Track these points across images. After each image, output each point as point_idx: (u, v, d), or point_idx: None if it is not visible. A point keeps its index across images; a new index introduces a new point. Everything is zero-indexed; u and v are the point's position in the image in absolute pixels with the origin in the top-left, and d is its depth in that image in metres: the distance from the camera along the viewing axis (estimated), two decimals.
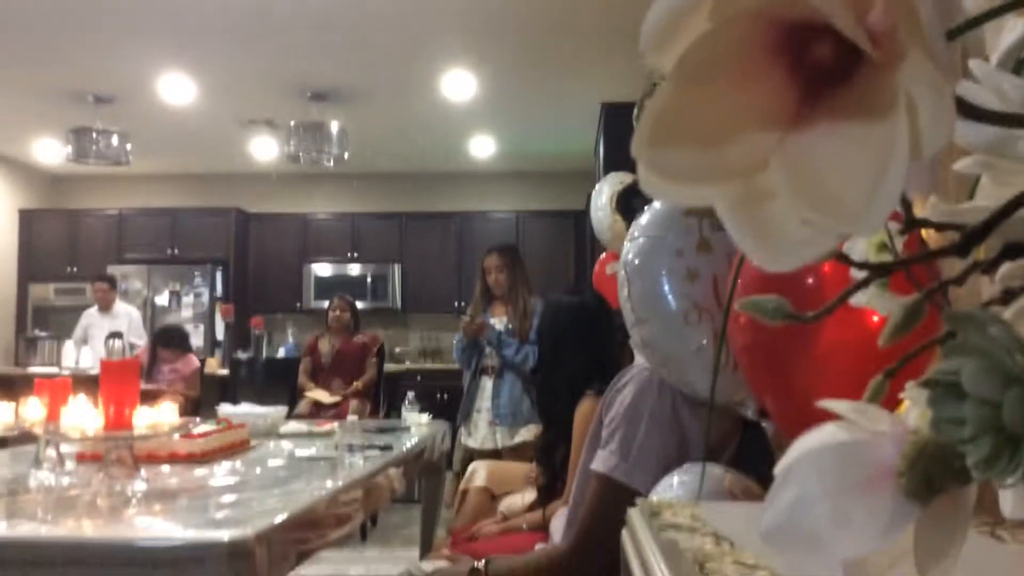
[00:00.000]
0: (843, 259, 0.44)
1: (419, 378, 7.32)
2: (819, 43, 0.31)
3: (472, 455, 4.06)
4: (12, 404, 2.20)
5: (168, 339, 5.68)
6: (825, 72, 0.31)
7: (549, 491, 2.56)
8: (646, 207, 1.57)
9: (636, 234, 1.52)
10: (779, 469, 0.38)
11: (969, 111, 0.37)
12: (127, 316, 6.68)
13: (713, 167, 0.31)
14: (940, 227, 0.43)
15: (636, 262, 1.49)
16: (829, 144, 0.30)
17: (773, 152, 0.31)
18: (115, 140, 5.79)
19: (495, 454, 4.06)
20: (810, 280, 0.95)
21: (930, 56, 0.26)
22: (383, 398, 5.54)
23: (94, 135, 5.71)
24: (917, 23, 0.26)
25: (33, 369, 6.83)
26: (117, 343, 5.58)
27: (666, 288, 1.45)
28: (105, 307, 6.70)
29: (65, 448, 2.21)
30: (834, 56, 0.31)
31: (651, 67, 0.33)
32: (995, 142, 0.39)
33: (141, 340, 6.50)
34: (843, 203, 0.28)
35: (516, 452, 3.98)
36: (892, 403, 0.42)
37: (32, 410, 2.13)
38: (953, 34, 0.32)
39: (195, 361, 5.72)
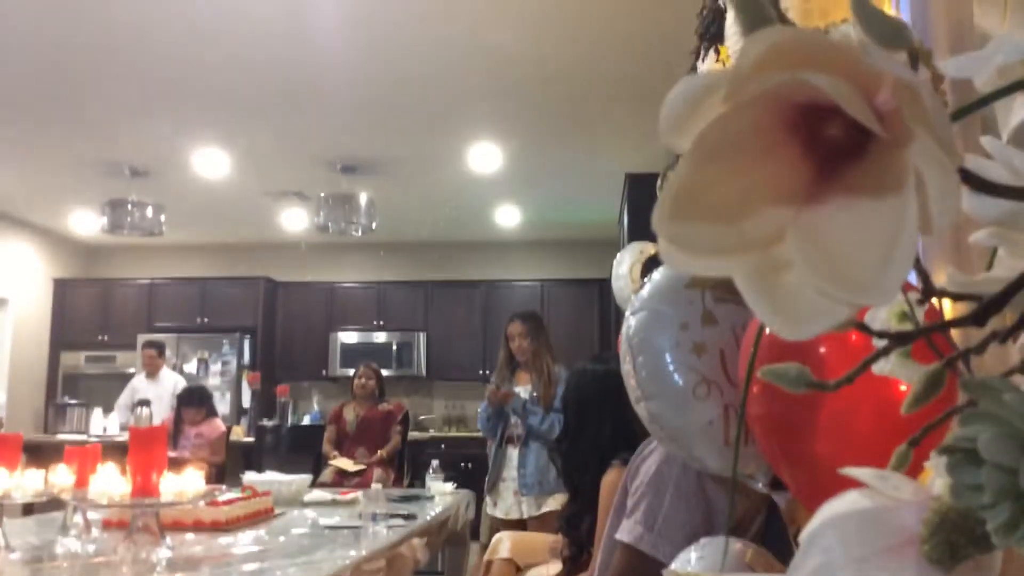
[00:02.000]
0: (862, 328, 0.45)
1: (443, 446, 7.28)
2: (831, 122, 0.32)
3: (498, 525, 4.00)
4: (41, 471, 2.22)
5: (190, 398, 5.71)
6: (837, 149, 0.33)
7: (575, 563, 2.52)
8: (645, 279, 1.56)
9: (638, 306, 1.51)
10: (803, 536, 0.38)
11: (981, 186, 0.38)
12: (173, 385, 6.72)
13: (731, 240, 0.32)
14: (958, 297, 0.44)
15: (640, 336, 1.48)
16: (843, 218, 0.31)
17: (789, 225, 0.32)
18: (149, 212, 5.93)
19: (520, 524, 4.00)
20: (823, 348, 0.96)
21: (935, 137, 0.27)
22: (407, 466, 5.51)
23: (129, 207, 5.85)
24: (921, 107, 0.27)
25: (62, 436, 6.88)
26: (144, 411, 5.62)
27: (672, 362, 1.43)
28: (152, 373, 6.75)
29: (92, 515, 2.22)
30: (845, 134, 0.32)
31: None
32: (1008, 215, 0.41)
33: None
34: (857, 274, 0.30)
35: (542, 522, 3.92)
36: (917, 472, 0.43)
37: (61, 477, 2.15)
38: (959, 114, 0.34)
39: (221, 426, 5.73)
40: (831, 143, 0.33)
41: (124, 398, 6.82)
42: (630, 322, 1.51)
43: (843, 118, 0.31)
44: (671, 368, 1.43)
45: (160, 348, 6.85)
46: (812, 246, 0.31)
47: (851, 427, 0.95)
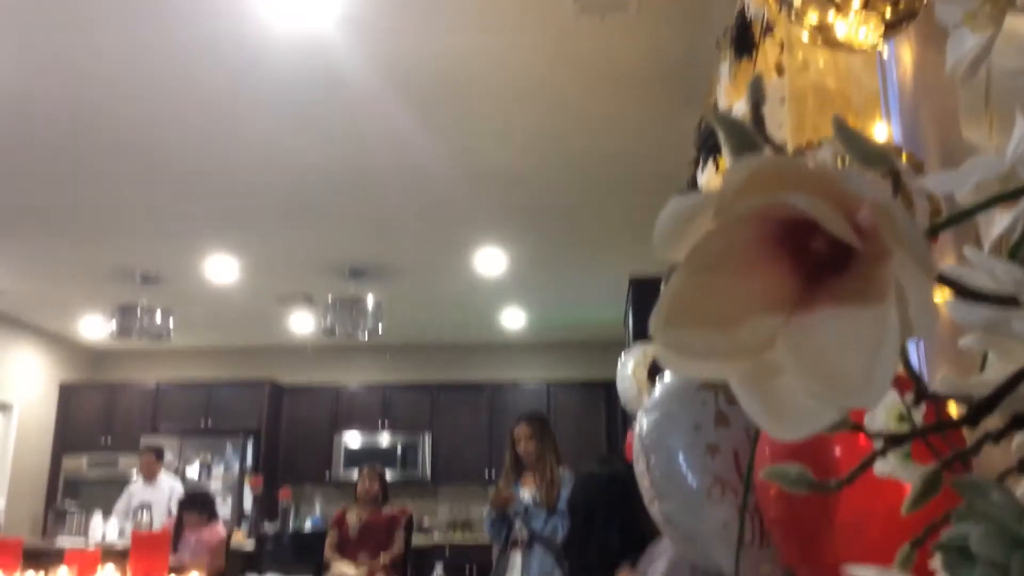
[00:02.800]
0: (859, 430, 0.46)
1: (448, 552, 7.11)
2: (815, 236, 0.35)
3: None
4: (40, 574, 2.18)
5: (192, 503, 5.62)
6: (823, 261, 0.35)
7: None
8: (658, 380, 1.57)
9: (650, 407, 1.51)
10: None
11: (965, 293, 0.40)
12: (170, 490, 6.61)
13: (724, 346, 0.34)
14: (949, 400, 0.46)
15: (653, 436, 1.47)
16: (830, 325, 0.33)
17: (779, 332, 0.34)
18: (158, 317, 5.98)
19: None
20: (837, 450, 0.96)
21: (910, 254, 0.29)
22: (410, 573, 5.37)
23: (138, 312, 5.90)
24: (896, 226, 0.29)
25: (61, 539, 6.75)
26: (145, 516, 5.51)
27: (685, 463, 1.42)
28: (149, 477, 6.66)
29: None
30: (830, 247, 0.35)
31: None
32: (992, 321, 0.42)
33: None
34: (845, 378, 0.31)
35: None
36: (923, 571, 0.43)
37: None
38: (935, 230, 0.36)
39: (222, 531, 5.62)
40: (817, 255, 0.35)
41: (121, 504, 6.72)
42: (643, 423, 1.51)
43: (826, 233, 0.34)
44: (684, 469, 1.42)
45: (159, 453, 6.79)
46: (802, 352, 0.33)
47: (866, 528, 0.94)
